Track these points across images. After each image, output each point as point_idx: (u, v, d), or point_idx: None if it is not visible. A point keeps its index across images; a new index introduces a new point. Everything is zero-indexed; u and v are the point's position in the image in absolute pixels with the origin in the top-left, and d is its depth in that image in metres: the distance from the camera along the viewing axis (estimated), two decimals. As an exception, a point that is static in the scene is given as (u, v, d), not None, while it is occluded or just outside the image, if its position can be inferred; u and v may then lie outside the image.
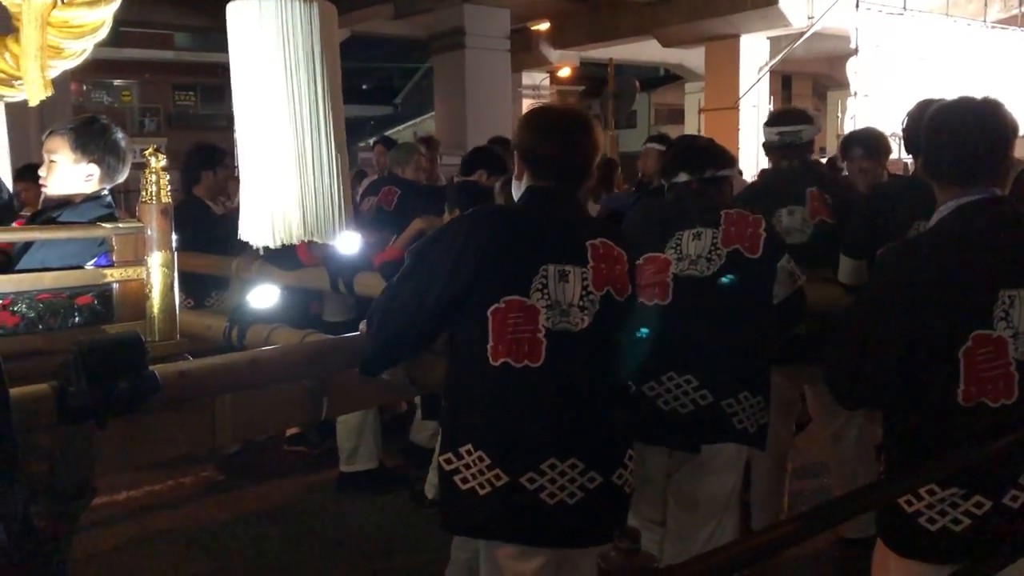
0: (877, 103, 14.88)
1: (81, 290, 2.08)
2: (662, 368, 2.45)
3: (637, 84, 16.82)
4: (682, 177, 2.66)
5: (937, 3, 17.06)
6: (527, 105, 20.35)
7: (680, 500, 2.57)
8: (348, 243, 3.19)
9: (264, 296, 2.87)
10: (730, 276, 2.48)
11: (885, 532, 1.97)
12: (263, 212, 2.14)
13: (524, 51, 18.33)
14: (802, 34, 15.98)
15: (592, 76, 23.00)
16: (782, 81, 24.25)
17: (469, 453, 1.96)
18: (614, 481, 2.01)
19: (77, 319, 2.08)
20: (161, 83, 25.52)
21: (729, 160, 2.77)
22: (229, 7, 2.14)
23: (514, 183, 2.16)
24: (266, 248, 2.26)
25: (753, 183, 4.30)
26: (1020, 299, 1.84)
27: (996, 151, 1.95)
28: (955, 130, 1.96)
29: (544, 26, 18.11)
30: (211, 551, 3.63)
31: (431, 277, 1.98)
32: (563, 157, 2.05)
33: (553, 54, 19.66)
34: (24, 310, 2.00)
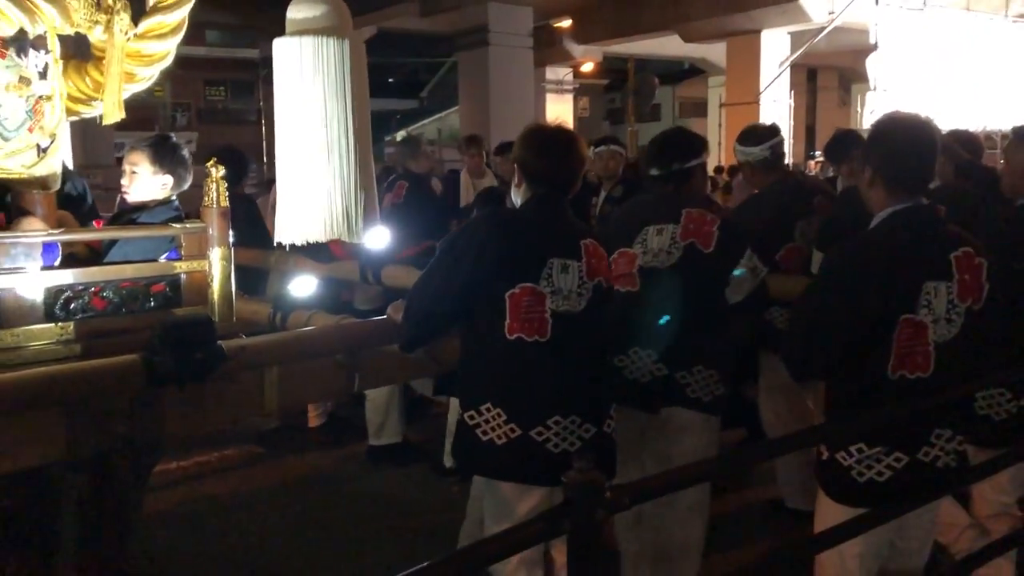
0: (897, 97, 15.07)
1: (155, 279, 2.50)
2: (629, 344, 2.85)
3: (656, 81, 17.10)
4: (654, 171, 2.99)
5: (957, -4, 17.14)
6: (550, 99, 20.71)
7: (653, 458, 2.94)
8: (377, 239, 3.61)
9: (304, 285, 3.29)
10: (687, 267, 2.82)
11: (824, 483, 2.35)
12: (300, 216, 2.55)
13: (547, 46, 18.64)
14: (822, 29, 16.15)
15: (615, 69, 23.28)
16: (807, 74, 24.36)
17: (488, 410, 2.38)
18: (604, 430, 2.46)
19: (152, 303, 2.50)
20: (192, 79, 25.94)
21: (696, 151, 3.01)
22: (275, 43, 2.55)
23: (514, 190, 2.58)
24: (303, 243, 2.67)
25: (762, 197, 4.03)
26: (938, 290, 2.22)
27: (933, 169, 2.34)
28: (916, 151, 2.31)
29: (567, 23, 18.41)
30: (255, 511, 4.08)
31: (458, 267, 2.39)
32: (554, 170, 2.49)
33: (576, 49, 19.96)
34: (110, 296, 2.42)
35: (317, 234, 2.38)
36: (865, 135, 4.36)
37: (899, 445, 2.21)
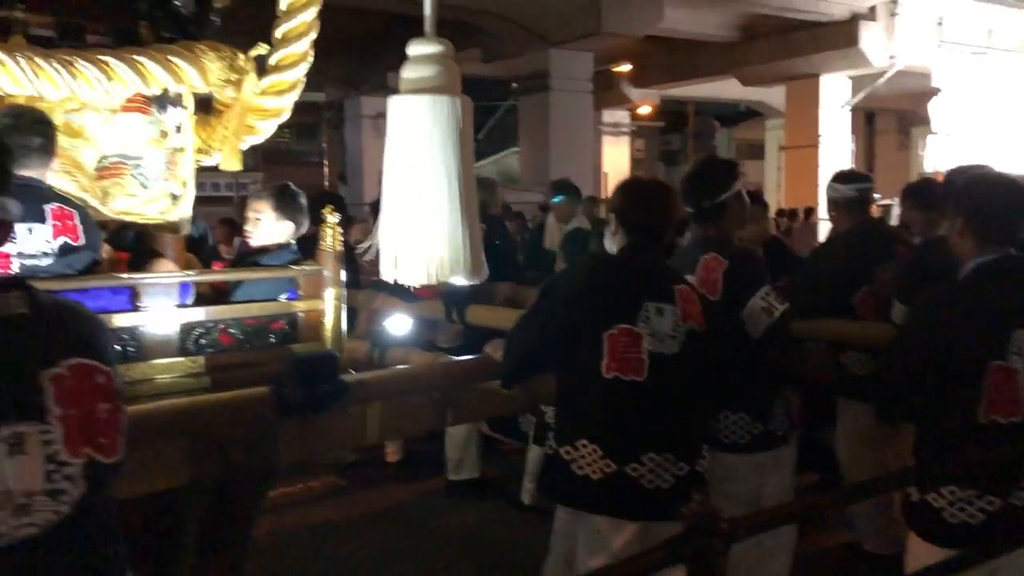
0: (959, 141, 14.97)
1: (276, 317, 2.70)
2: None
3: (715, 123, 17.16)
4: (688, 209, 3.03)
5: (1021, 40, 17.00)
6: (607, 141, 20.93)
7: (724, 500, 2.98)
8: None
9: (400, 324, 3.46)
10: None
11: (915, 523, 2.41)
12: (413, 258, 2.71)
13: (606, 90, 18.89)
14: (883, 73, 16.14)
15: (671, 112, 23.47)
16: (865, 117, 24.25)
17: (584, 446, 2.50)
18: (697, 469, 2.56)
19: (272, 339, 2.69)
20: (259, 121, 26.64)
21: (725, 184, 2.97)
22: (390, 99, 2.72)
23: (609, 237, 2.73)
24: (390, 284, 2.84)
25: (840, 240, 4.11)
26: None
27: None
28: (1006, 203, 2.39)
29: (626, 67, 18.65)
30: (337, 542, 4.23)
31: (557, 308, 2.55)
32: (649, 220, 2.64)
33: (634, 92, 20.20)
34: (236, 332, 2.62)
35: (434, 276, 2.54)
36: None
37: (991, 489, 2.27)
